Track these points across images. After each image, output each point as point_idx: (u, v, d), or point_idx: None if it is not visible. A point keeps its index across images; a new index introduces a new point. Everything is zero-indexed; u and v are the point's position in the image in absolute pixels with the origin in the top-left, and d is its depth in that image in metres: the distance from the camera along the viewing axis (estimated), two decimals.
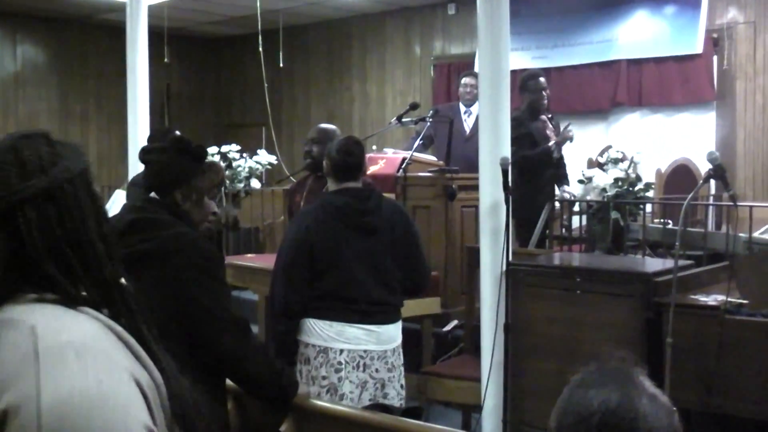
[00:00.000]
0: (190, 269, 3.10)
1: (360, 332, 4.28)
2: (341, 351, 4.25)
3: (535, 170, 7.25)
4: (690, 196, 4.51)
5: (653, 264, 5.54)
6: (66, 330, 1.42)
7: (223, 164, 8.78)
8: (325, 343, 4.25)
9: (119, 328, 1.51)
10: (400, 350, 4.52)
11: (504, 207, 5.08)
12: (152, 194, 3.28)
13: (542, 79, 7.46)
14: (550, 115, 7.54)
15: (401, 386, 4.48)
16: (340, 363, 4.25)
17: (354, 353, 4.26)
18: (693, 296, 4.67)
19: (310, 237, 4.26)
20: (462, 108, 8.18)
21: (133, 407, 1.40)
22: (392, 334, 4.43)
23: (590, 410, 1.57)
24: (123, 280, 1.58)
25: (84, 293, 1.52)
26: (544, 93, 7.38)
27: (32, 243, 1.46)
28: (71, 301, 1.49)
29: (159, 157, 3.28)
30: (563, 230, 7.68)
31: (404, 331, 6.68)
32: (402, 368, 4.52)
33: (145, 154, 3.35)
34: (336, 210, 4.31)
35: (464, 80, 8.34)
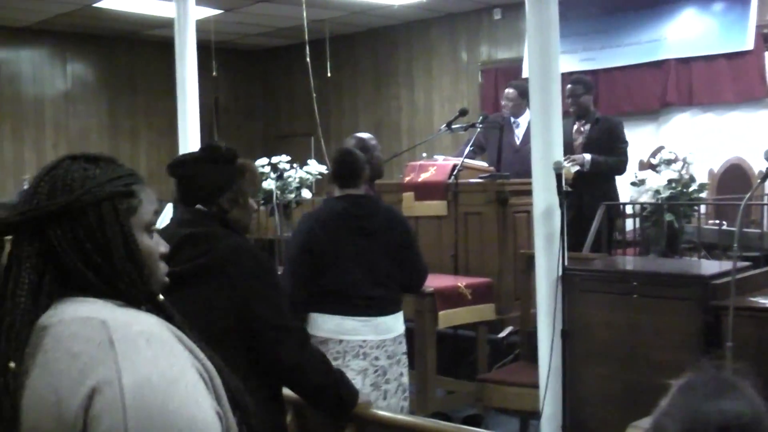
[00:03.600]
0: (248, 279, 3.13)
1: (358, 324, 4.56)
2: (340, 341, 4.55)
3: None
4: (748, 195, 4.46)
5: (710, 266, 5.48)
6: (134, 322, 1.55)
7: (273, 175, 8.80)
8: (326, 334, 4.56)
9: (171, 326, 1.64)
10: (402, 340, 4.78)
11: (558, 211, 5.06)
12: (198, 206, 3.28)
13: (568, 86, 7.33)
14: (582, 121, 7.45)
15: (401, 374, 4.75)
16: (338, 352, 4.55)
17: (353, 343, 4.56)
18: (752, 298, 4.62)
19: (312, 239, 4.58)
20: (511, 119, 8.15)
21: (200, 388, 1.53)
22: (390, 324, 4.68)
23: (722, 423, 1.54)
24: (160, 297, 1.70)
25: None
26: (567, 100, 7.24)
27: (64, 255, 1.60)
28: (125, 301, 1.62)
29: (195, 169, 3.28)
30: (616, 233, 7.62)
31: (459, 338, 6.72)
32: (405, 357, 4.78)
33: (177, 168, 3.33)
34: (335, 215, 4.63)
35: (504, 92, 8.36)
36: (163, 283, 1.75)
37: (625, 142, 7.53)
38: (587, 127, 7.49)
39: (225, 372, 1.67)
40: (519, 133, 8.01)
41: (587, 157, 7.18)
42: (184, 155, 3.70)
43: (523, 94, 8.05)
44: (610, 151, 7.35)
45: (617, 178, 7.58)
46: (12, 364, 1.56)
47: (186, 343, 1.62)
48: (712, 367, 1.65)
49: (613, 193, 7.44)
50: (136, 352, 1.48)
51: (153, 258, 1.70)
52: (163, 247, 1.76)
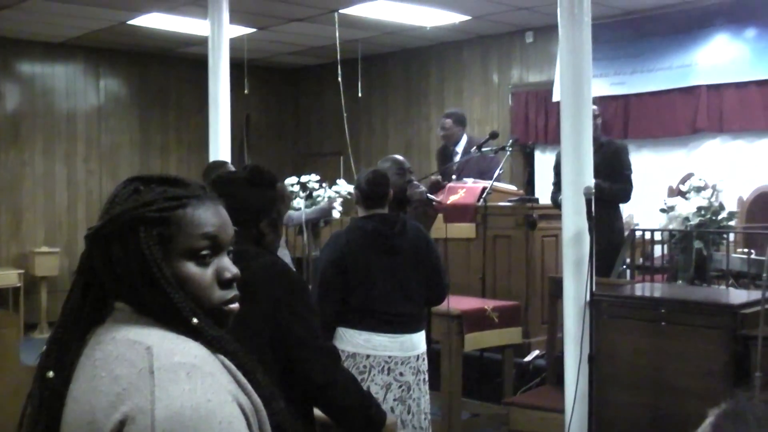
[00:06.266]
0: (281, 298, 3.14)
1: (386, 340, 4.66)
2: (367, 356, 4.66)
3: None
4: None
5: (738, 295, 5.46)
6: (178, 352, 1.54)
7: (302, 194, 8.85)
8: (354, 349, 4.66)
9: (221, 356, 1.63)
10: (425, 357, 4.87)
11: (588, 237, 5.07)
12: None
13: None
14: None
15: (425, 392, 4.85)
16: (365, 367, 4.66)
17: (379, 358, 4.67)
18: None
19: (343, 258, 4.69)
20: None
21: (236, 425, 1.51)
22: (416, 341, 4.80)
23: None
24: (195, 322, 1.63)
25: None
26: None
27: (102, 278, 1.63)
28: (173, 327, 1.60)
29: (238, 192, 3.20)
30: (642, 260, 7.60)
31: (485, 360, 6.73)
32: (426, 374, 4.87)
33: (220, 186, 3.13)
34: (366, 234, 4.73)
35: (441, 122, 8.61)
36: (221, 310, 1.71)
37: (630, 169, 7.36)
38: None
39: (274, 404, 1.65)
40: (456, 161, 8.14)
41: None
42: (229, 173, 3.70)
43: (458, 122, 8.24)
44: (613, 177, 7.21)
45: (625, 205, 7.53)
46: (50, 374, 1.59)
47: (234, 374, 1.61)
48: (746, 397, 1.65)
49: (617, 221, 7.35)
50: (173, 384, 1.48)
51: (195, 285, 1.65)
52: (227, 273, 1.72)
